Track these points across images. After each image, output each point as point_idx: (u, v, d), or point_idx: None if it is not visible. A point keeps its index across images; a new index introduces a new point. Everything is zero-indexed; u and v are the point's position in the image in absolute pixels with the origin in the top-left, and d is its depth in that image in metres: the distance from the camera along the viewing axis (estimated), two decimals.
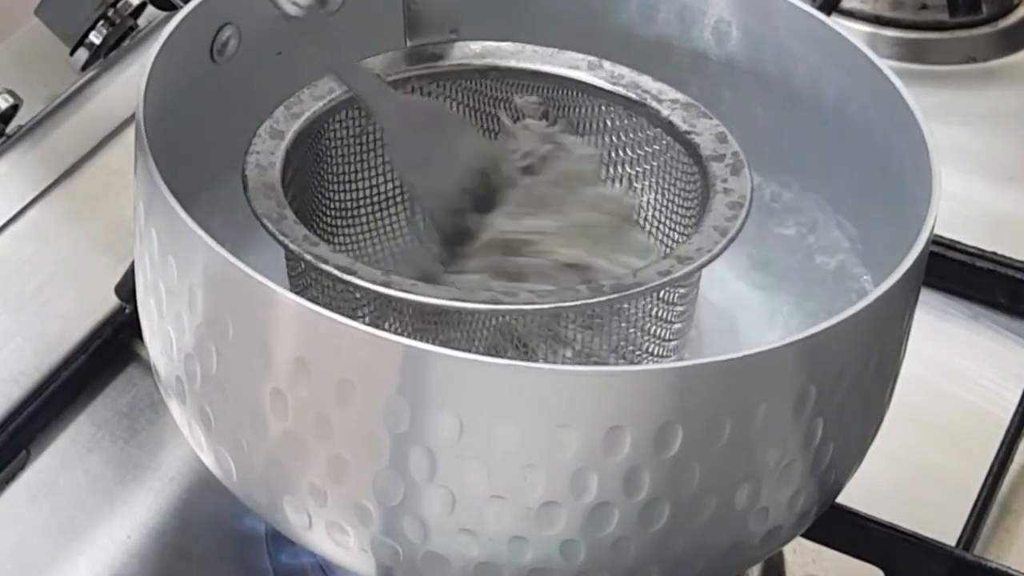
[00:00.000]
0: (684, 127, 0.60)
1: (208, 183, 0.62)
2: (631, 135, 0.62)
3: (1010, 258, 0.77)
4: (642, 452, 0.49)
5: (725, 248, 0.56)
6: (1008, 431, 0.70)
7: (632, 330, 0.58)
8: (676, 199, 0.61)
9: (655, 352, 0.59)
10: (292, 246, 0.54)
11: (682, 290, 0.58)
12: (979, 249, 0.78)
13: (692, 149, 0.60)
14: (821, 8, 0.88)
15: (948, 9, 0.96)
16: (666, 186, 0.62)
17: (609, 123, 0.63)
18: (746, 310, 0.63)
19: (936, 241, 0.74)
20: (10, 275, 0.70)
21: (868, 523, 0.63)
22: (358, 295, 0.56)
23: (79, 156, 0.75)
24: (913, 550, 0.63)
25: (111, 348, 0.69)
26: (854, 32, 0.76)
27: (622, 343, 0.58)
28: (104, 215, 0.73)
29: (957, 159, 0.83)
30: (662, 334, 0.59)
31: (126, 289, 0.69)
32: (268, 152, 0.57)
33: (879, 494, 0.64)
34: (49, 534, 0.63)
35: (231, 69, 0.61)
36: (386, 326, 0.56)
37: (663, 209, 0.62)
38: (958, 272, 0.77)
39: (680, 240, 0.60)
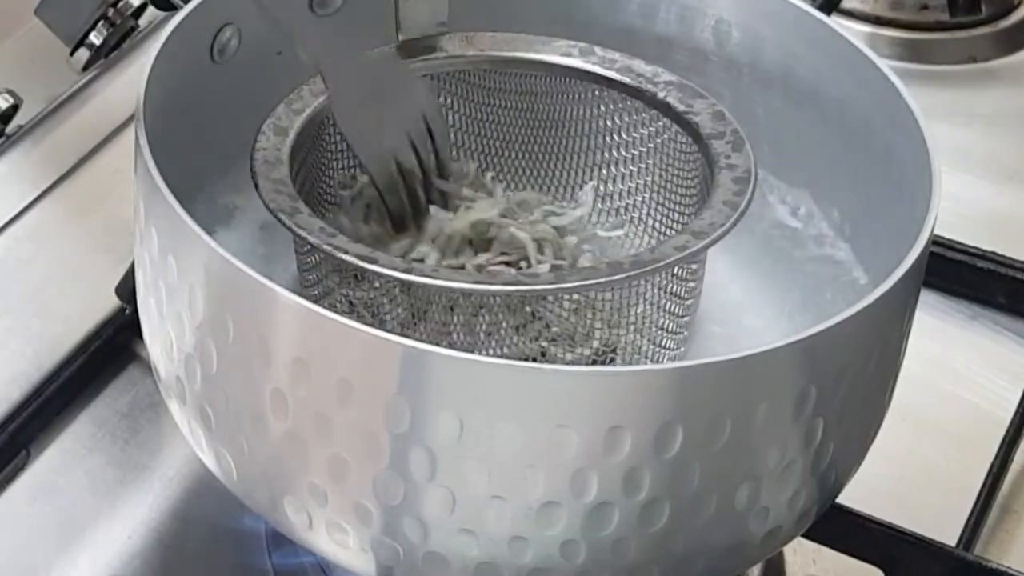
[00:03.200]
0: (681, 107, 0.61)
1: (209, 182, 0.62)
2: (626, 118, 0.63)
3: (1010, 258, 0.77)
4: (642, 452, 0.49)
5: (737, 221, 0.56)
6: (1008, 431, 0.70)
7: (648, 308, 0.58)
8: (676, 179, 0.62)
9: (670, 328, 0.59)
10: (311, 238, 0.54)
11: (694, 266, 0.58)
12: (979, 249, 0.78)
13: (691, 128, 0.60)
14: (821, 8, 0.88)
15: (948, 9, 0.96)
16: (664, 167, 0.62)
17: (603, 108, 0.63)
18: (745, 310, 0.63)
19: (936, 241, 0.73)
20: (10, 275, 0.70)
21: (868, 523, 0.63)
22: (377, 284, 0.56)
23: (79, 156, 0.75)
24: (913, 550, 0.63)
25: (111, 348, 0.69)
26: (854, 32, 0.76)
27: (639, 321, 0.58)
28: (104, 215, 0.73)
29: (957, 159, 0.83)
30: (677, 311, 0.59)
31: (126, 289, 0.69)
32: (274, 148, 0.58)
33: (879, 494, 0.64)
34: (49, 534, 0.63)
35: (231, 69, 0.61)
36: (402, 316, 0.57)
37: (663, 190, 0.62)
38: (958, 272, 0.77)
39: (683, 220, 0.61)
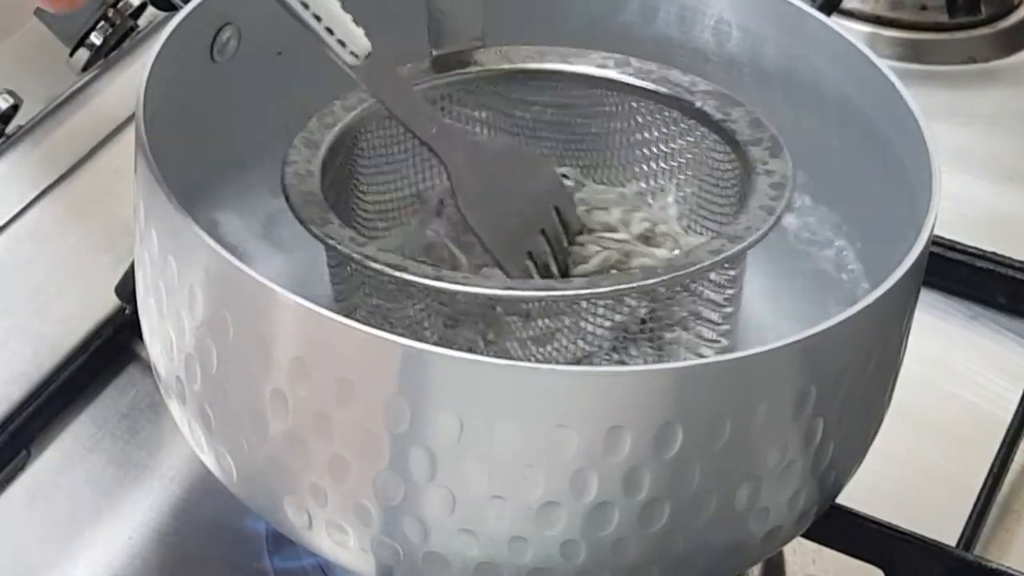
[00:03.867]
0: (718, 116, 0.61)
1: (208, 183, 0.62)
2: (664, 130, 0.63)
3: (1010, 258, 0.77)
4: (642, 452, 0.49)
5: (774, 226, 0.56)
6: (1008, 431, 0.70)
7: (685, 313, 0.58)
8: (715, 188, 0.62)
9: (708, 337, 0.59)
10: (342, 248, 0.54)
11: (732, 272, 0.58)
12: (979, 249, 0.78)
13: (728, 136, 0.60)
14: (821, 8, 0.88)
15: (947, 10, 0.96)
16: (703, 176, 0.62)
17: (640, 120, 0.63)
18: (745, 310, 0.63)
19: (936, 241, 0.74)
20: (10, 275, 0.70)
21: (868, 523, 0.63)
22: (411, 292, 0.56)
23: (79, 156, 0.75)
24: (913, 550, 0.63)
25: (111, 348, 0.69)
26: (854, 32, 0.76)
27: (677, 327, 0.58)
28: (104, 215, 0.73)
29: (957, 159, 0.83)
30: (714, 318, 0.59)
31: (126, 289, 0.69)
32: (305, 161, 0.57)
33: (879, 494, 0.64)
34: (49, 534, 0.63)
35: (231, 69, 0.61)
36: (432, 324, 0.57)
37: (701, 199, 0.62)
38: (958, 272, 0.77)
39: (722, 226, 0.61)
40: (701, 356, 0.58)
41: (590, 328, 0.57)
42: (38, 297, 0.70)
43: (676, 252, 0.60)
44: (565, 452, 0.49)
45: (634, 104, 0.63)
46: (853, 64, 0.61)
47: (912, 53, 0.95)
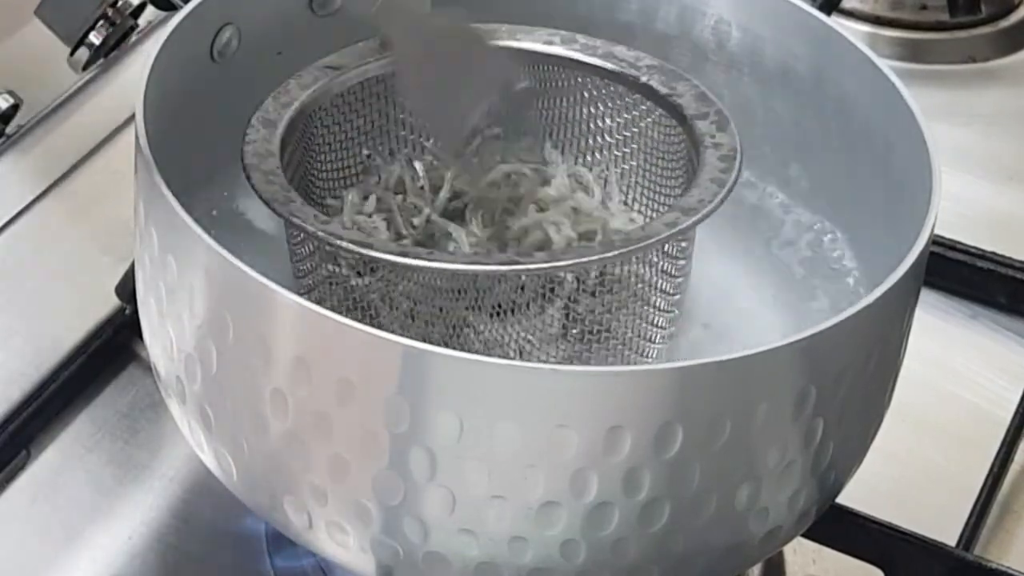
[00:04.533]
0: (664, 90, 0.61)
1: (208, 182, 0.62)
2: (610, 104, 0.63)
3: (1010, 258, 0.78)
4: (642, 452, 0.49)
5: (725, 198, 0.56)
6: (1008, 431, 0.70)
7: (640, 286, 0.59)
8: (660, 162, 0.62)
9: (662, 307, 0.59)
10: (307, 226, 0.54)
11: (684, 244, 0.58)
12: (979, 249, 0.78)
13: (675, 110, 0.60)
14: (821, 8, 0.88)
15: (948, 9, 0.96)
16: (649, 150, 0.62)
17: (586, 95, 0.63)
18: (745, 309, 0.63)
19: (936, 241, 0.73)
20: (10, 275, 0.70)
21: (868, 523, 0.63)
22: (371, 269, 0.57)
23: (79, 156, 0.75)
24: (913, 550, 0.63)
25: (111, 348, 0.69)
26: (854, 32, 0.76)
27: (630, 300, 0.59)
28: (104, 215, 0.73)
29: (957, 159, 0.83)
30: (668, 288, 0.59)
31: (126, 289, 0.69)
32: (264, 140, 0.58)
33: (879, 494, 0.64)
34: (49, 534, 0.63)
35: (231, 69, 0.61)
36: (396, 297, 0.57)
37: (648, 173, 0.63)
38: (958, 272, 0.77)
39: (670, 202, 0.61)
40: (655, 325, 0.59)
41: (547, 299, 0.58)
42: (38, 297, 0.70)
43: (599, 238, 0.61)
44: (565, 452, 0.49)
45: (579, 80, 0.63)
46: (853, 64, 0.61)
47: (912, 53, 0.95)
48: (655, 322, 0.59)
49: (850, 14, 0.95)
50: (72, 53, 0.76)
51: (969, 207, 0.82)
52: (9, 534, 0.63)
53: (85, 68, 0.77)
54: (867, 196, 0.62)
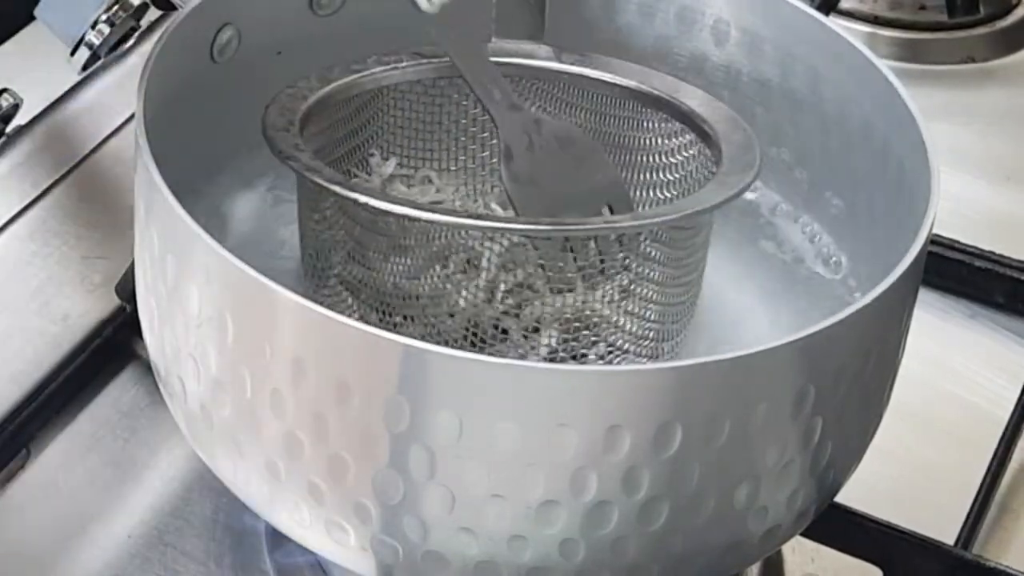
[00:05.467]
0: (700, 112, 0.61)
1: (208, 182, 0.63)
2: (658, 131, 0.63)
3: (1008, 258, 0.78)
4: (641, 451, 0.49)
5: (745, 189, 0.57)
6: (1006, 430, 0.70)
7: (655, 268, 0.58)
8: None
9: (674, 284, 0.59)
10: (320, 181, 0.54)
11: (698, 237, 0.59)
12: (977, 249, 0.78)
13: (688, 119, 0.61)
14: (820, 8, 0.88)
15: (947, 9, 0.96)
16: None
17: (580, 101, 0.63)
18: (744, 309, 0.64)
19: (935, 241, 0.74)
20: (10, 275, 0.70)
21: (867, 522, 0.64)
22: (386, 223, 0.57)
23: (79, 156, 0.75)
24: (911, 549, 0.63)
25: (111, 348, 0.69)
26: (853, 32, 0.76)
27: (644, 281, 0.59)
28: (104, 215, 0.73)
29: (956, 159, 0.83)
30: (683, 278, 0.59)
31: (126, 289, 0.69)
32: (288, 109, 0.58)
33: (878, 493, 0.64)
34: (49, 534, 0.64)
35: (231, 69, 0.62)
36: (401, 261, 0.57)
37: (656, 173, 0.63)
38: (957, 271, 0.77)
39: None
40: (663, 303, 0.59)
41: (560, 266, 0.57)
42: (38, 297, 0.70)
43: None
44: (565, 451, 0.49)
45: (566, 88, 0.63)
46: (852, 64, 0.61)
47: (911, 53, 0.95)
48: (658, 301, 0.59)
49: (849, 14, 0.95)
50: (72, 53, 0.76)
51: (968, 207, 0.82)
52: (9, 533, 0.63)
53: (85, 68, 0.77)
54: (866, 196, 0.62)
